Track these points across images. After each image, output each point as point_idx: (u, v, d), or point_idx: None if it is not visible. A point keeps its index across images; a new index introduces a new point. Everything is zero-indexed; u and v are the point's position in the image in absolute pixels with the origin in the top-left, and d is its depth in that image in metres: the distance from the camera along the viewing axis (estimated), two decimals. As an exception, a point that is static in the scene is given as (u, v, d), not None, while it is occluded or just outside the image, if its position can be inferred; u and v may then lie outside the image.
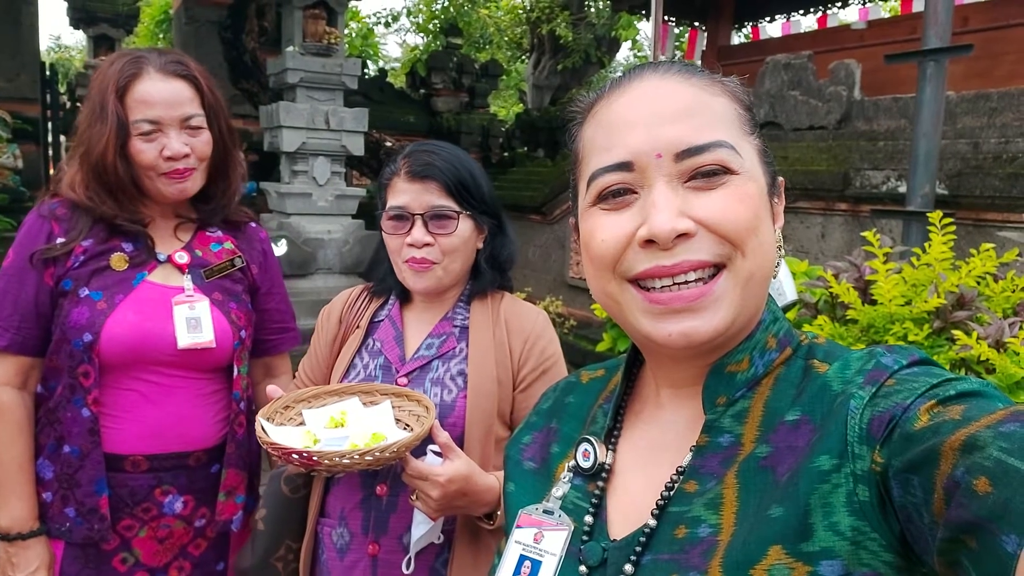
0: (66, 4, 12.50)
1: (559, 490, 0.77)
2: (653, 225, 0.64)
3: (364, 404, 1.40)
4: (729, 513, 0.63)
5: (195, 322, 1.60)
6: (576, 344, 5.89)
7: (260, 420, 1.29)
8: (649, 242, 0.65)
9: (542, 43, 15.49)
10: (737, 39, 9.72)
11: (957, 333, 1.66)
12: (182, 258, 1.66)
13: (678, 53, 9.50)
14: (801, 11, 8.81)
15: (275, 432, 1.28)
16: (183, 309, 1.60)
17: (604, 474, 0.75)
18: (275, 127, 5.98)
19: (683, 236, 0.64)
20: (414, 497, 1.30)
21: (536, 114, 12.03)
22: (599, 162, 0.69)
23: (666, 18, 7.46)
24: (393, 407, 1.37)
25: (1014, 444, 0.48)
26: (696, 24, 9.11)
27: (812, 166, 4.76)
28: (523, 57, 17.98)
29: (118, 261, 1.58)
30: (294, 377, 1.71)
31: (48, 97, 9.40)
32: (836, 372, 0.65)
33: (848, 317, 1.92)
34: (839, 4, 8.53)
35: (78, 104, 10.54)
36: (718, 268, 0.65)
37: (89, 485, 1.54)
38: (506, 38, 18.04)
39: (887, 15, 8.89)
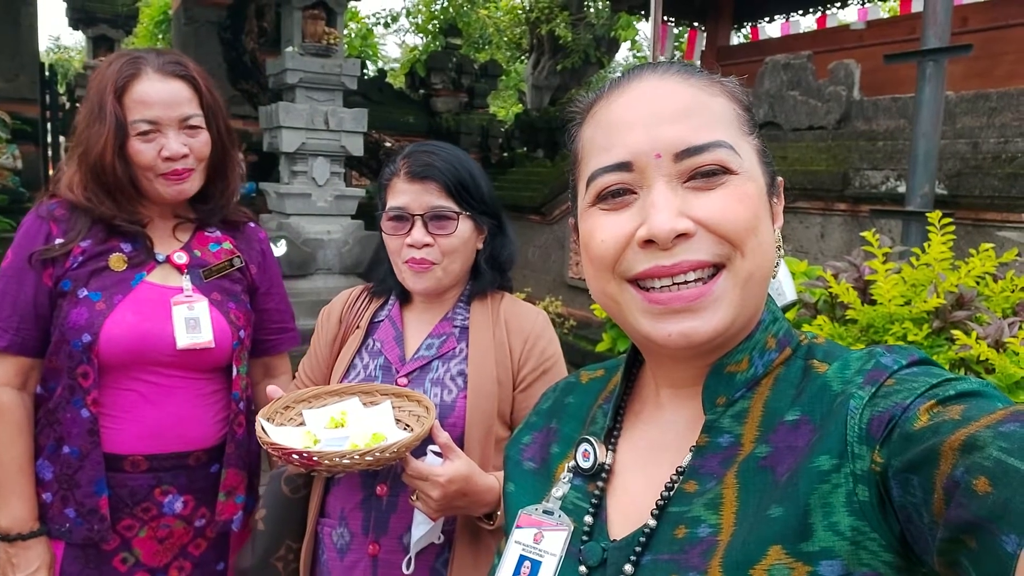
0: (65, 5, 12.49)
1: (559, 490, 0.77)
2: (652, 225, 0.64)
3: (364, 404, 1.39)
4: (729, 513, 0.63)
5: (194, 322, 1.60)
6: (576, 344, 5.89)
7: (260, 420, 1.29)
8: (648, 242, 0.65)
9: (541, 43, 15.49)
10: (736, 39, 9.72)
11: (956, 333, 1.66)
12: (181, 258, 1.66)
13: (677, 53, 9.48)
14: (800, 11, 8.81)
15: (275, 432, 1.28)
16: (182, 309, 1.60)
17: (604, 474, 0.75)
18: (274, 127, 5.98)
19: (682, 236, 0.64)
20: (414, 497, 1.30)
21: (535, 114, 12.02)
22: (598, 162, 0.69)
23: (665, 18, 7.47)
24: (393, 407, 1.37)
25: (1014, 444, 0.48)
26: (695, 24, 9.11)
27: (811, 166, 4.75)
28: (522, 57, 17.98)
29: (117, 261, 1.58)
30: (294, 377, 1.71)
31: (47, 98, 9.42)
32: (836, 372, 0.65)
33: (847, 317, 1.92)
34: (838, 4, 8.54)
35: (77, 105, 10.50)
36: (717, 268, 0.65)
37: (89, 485, 1.54)
38: (505, 38, 18.03)
39: (886, 15, 8.87)
